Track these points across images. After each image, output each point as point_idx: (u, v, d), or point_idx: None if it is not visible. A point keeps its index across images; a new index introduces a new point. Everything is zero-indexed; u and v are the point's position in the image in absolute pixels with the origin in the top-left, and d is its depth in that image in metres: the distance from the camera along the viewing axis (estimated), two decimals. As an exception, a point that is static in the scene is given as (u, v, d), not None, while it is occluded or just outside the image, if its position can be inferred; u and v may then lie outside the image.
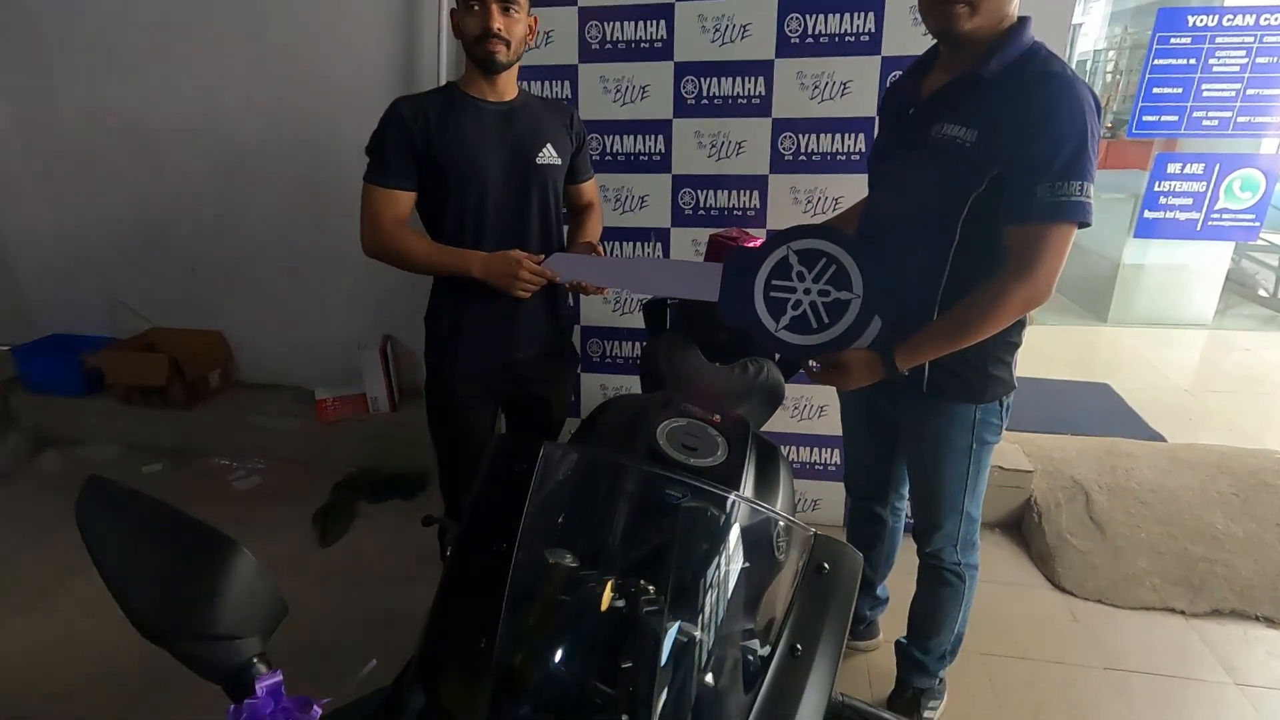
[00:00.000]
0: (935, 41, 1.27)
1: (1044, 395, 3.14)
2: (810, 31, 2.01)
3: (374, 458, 2.72)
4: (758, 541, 0.66)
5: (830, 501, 2.33)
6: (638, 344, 2.37)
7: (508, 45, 1.39)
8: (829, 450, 2.31)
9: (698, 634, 0.57)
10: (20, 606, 2.06)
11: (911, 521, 1.54)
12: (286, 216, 2.72)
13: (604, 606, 0.58)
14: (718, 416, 1.04)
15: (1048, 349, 3.88)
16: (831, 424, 2.23)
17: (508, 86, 1.49)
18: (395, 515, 2.51)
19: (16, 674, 1.81)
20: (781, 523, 0.68)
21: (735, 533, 0.65)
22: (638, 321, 2.33)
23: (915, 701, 1.61)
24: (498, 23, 1.36)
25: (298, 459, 2.79)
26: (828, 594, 0.63)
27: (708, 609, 0.59)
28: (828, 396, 2.23)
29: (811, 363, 1.34)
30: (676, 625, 0.57)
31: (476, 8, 1.35)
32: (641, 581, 0.60)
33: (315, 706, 0.48)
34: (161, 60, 2.59)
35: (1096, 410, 2.99)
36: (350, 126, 2.51)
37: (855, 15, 1.96)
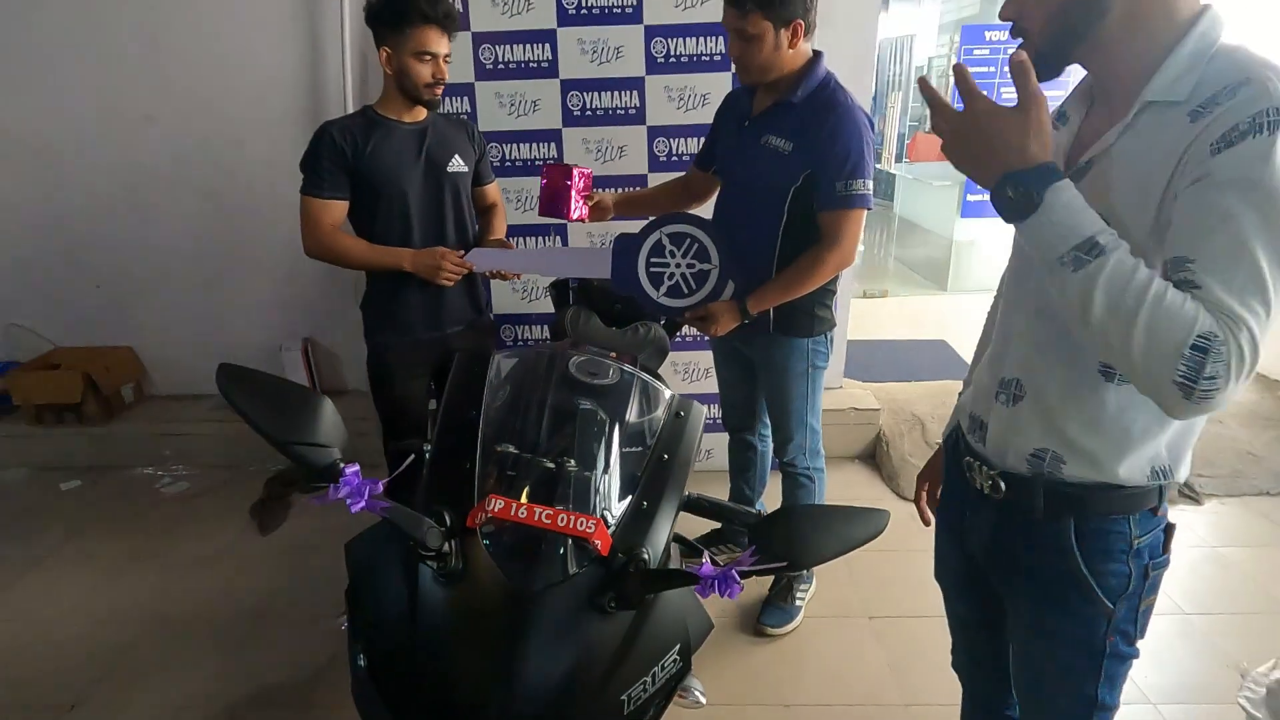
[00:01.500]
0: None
1: (892, 353, 3.72)
2: (673, 53, 2.41)
3: (302, 453, 2.88)
4: (641, 401, 1.03)
5: (720, 450, 2.74)
6: (544, 326, 2.69)
7: (442, 87, 1.69)
8: (715, 406, 2.72)
9: (606, 439, 0.93)
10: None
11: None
12: (197, 230, 2.82)
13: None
14: (614, 354, 1.39)
15: (896, 316, 4.53)
16: (715, 383, 2.64)
17: (419, 110, 1.77)
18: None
19: None
20: (656, 389, 1.05)
21: (626, 397, 1.01)
22: (544, 307, 2.65)
23: (789, 587, 2.03)
24: (443, 73, 1.66)
25: (223, 463, 2.90)
26: (683, 428, 1.00)
27: (612, 437, 0.96)
28: (709, 361, 2.63)
29: (687, 315, 1.72)
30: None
31: (429, 58, 1.63)
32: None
33: (378, 483, 0.78)
34: (55, 76, 2.64)
35: (934, 361, 3.59)
36: (258, 142, 2.70)
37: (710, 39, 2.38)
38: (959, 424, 1.03)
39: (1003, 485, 0.90)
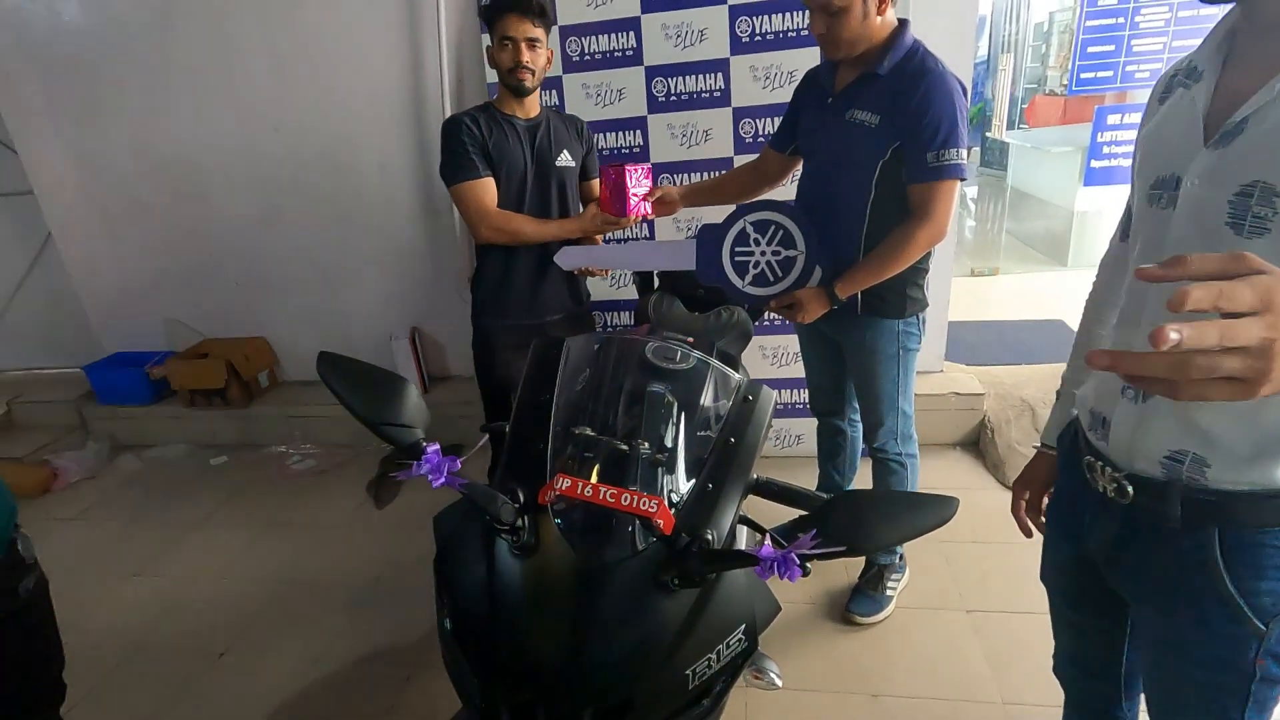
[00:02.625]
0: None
1: (1001, 334, 3.49)
2: (758, 31, 2.36)
3: (412, 434, 3.10)
4: (714, 385, 1.05)
5: (810, 436, 2.69)
6: (630, 312, 2.73)
7: (532, 74, 1.78)
8: (803, 390, 2.67)
9: (674, 422, 0.96)
10: (127, 574, 2.44)
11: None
12: (316, 232, 3.09)
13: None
14: (689, 339, 1.40)
15: (1009, 295, 4.24)
16: (803, 368, 2.59)
17: (533, 106, 1.88)
18: (437, 479, 2.89)
19: (126, 631, 2.17)
20: (725, 372, 1.07)
21: (698, 380, 1.04)
22: (632, 294, 2.69)
23: (880, 576, 1.97)
24: (525, 57, 1.75)
25: (345, 443, 3.17)
26: (751, 412, 1.01)
27: (681, 421, 0.98)
28: (797, 345, 2.59)
29: (773, 304, 1.70)
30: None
31: (509, 45, 1.74)
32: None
33: (456, 461, 0.85)
34: (197, 98, 2.95)
35: (1049, 343, 3.34)
36: (367, 144, 2.91)
37: (795, 14, 2.31)
38: (1077, 419, 0.94)
39: (1130, 489, 0.81)
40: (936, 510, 0.77)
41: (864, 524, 0.76)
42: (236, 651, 2.05)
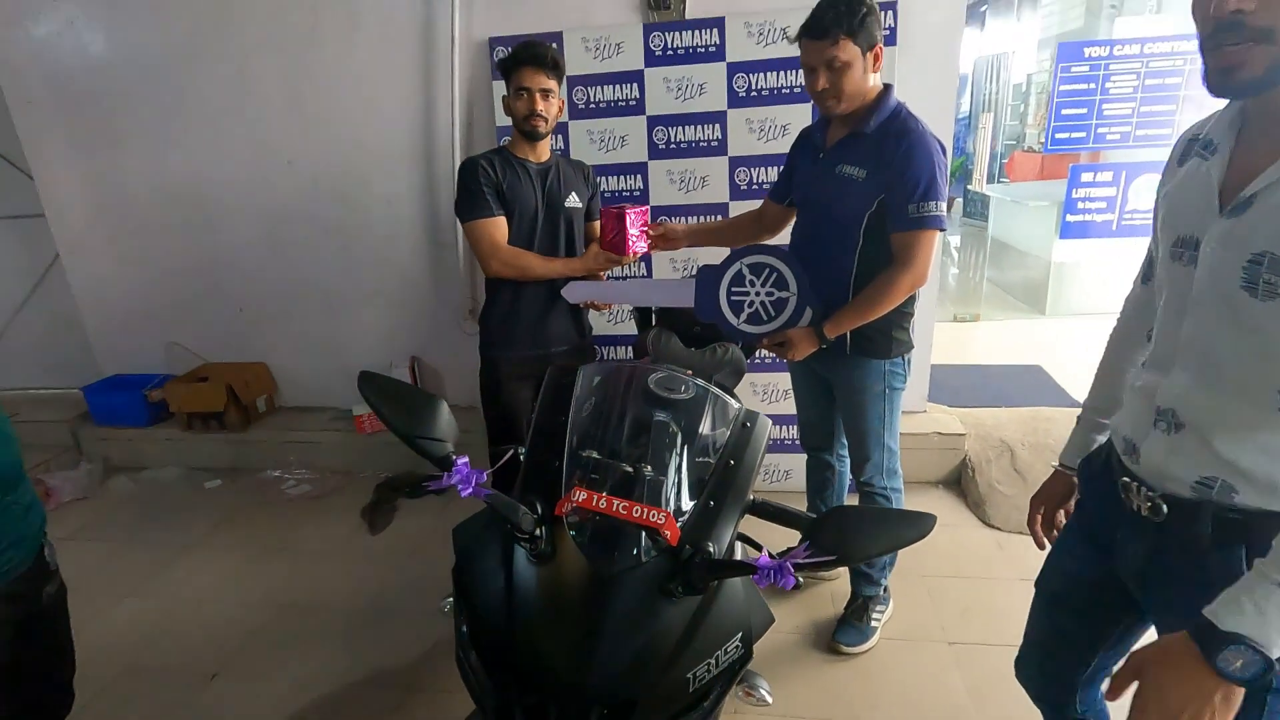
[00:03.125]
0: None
1: (983, 378, 3.62)
2: (754, 87, 2.52)
3: (408, 462, 3.12)
4: (713, 413, 1.13)
5: (798, 471, 2.77)
6: (628, 347, 2.83)
7: (545, 121, 1.91)
8: (793, 426, 2.76)
9: (678, 448, 1.04)
10: (119, 595, 2.45)
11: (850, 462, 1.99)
12: (323, 261, 3.17)
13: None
14: (690, 371, 1.49)
15: (992, 340, 4.39)
16: (793, 404, 2.69)
17: (544, 150, 2.01)
18: (432, 506, 2.92)
19: (116, 652, 2.16)
20: (725, 401, 1.15)
21: (699, 408, 1.12)
22: (630, 329, 2.80)
23: (864, 608, 2.04)
24: (540, 106, 1.88)
25: (340, 469, 3.21)
26: (749, 438, 1.09)
27: (684, 447, 1.06)
28: (788, 383, 2.69)
29: (766, 341, 1.80)
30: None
31: (525, 95, 1.87)
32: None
33: (484, 473, 0.92)
34: (214, 131, 3.06)
35: (1027, 387, 3.47)
36: (377, 179, 3.03)
37: (789, 72, 2.48)
38: (1110, 444, 1.02)
39: (1164, 508, 0.87)
40: (916, 525, 0.86)
41: (851, 536, 0.84)
42: (228, 674, 2.06)
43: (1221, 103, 0.86)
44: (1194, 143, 0.91)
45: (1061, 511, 1.22)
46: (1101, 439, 1.14)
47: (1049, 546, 1.20)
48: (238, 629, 2.24)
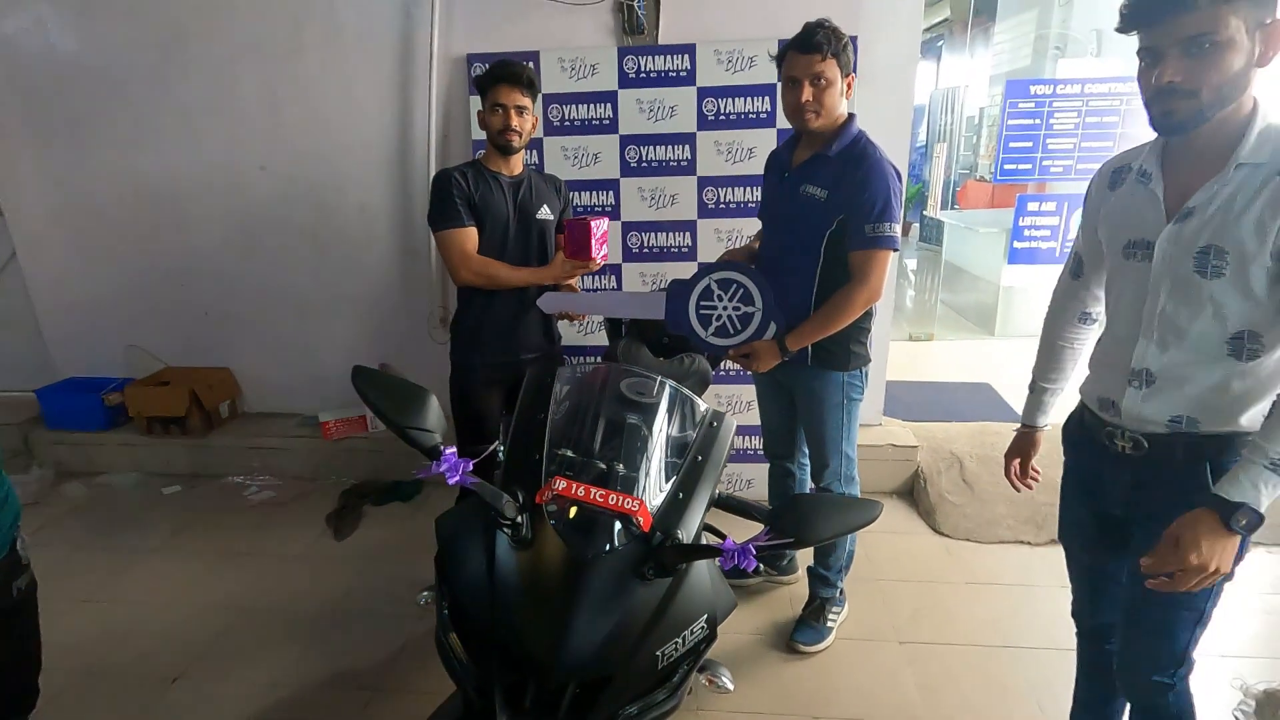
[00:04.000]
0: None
1: (936, 394, 3.79)
2: (723, 111, 2.64)
3: (375, 469, 3.15)
4: (681, 414, 1.21)
5: (761, 480, 2.87)
6: (598, 358, 2.89)
7: (519, 136, 1.98)
8: (757, 437, 2.86)
9: (650, 444, 1.11)
10: (75, 600, 2.40)
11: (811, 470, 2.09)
12: (295, 266, 3.17)
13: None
14: (658, 376, 1.58)
15: (942, 359, 4.58)
16: (757, 415, 2.79)
17: (517, 164, 2.07)
18: (397, 514, 2.94)
19: (72, 655, 2.11)
20: (694, 402, 1.24)
21: (668, 407, 1.20)
22: (600, 340, 2.87)
23: (821, 609, 2.13)
24: (514, 122, 1.95)
25: (305, 475, 3.19)
26: (715, 435, 1.18)
27: (655, 446, 1.14)
28: (752, 394, 2.79)
29: (731, 353, 1.90)
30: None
31: (500, 111, 1.94)
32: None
33: (469, 462, 0.98)
34: (187, 135, 3.05)
35: (977, 403, 3.64)
36: (352, 187, 3.06)
37: (756, 98, 2.61)
38: (1080, 410, 1.31)
39: (1145, 444, 1.16)
40: (865, 511, 0.95)
41: (808, 521, 0.93)
42: (190, 677, 2.05)
43: (1144, 139, 1.17)
44: (1122, 171, 1.21)
45: (1031, 468, 1.52)
46: (1050, 400, 1.48)
47: (1022, 491, 1.54)
48: (199, 633, 2.22)
